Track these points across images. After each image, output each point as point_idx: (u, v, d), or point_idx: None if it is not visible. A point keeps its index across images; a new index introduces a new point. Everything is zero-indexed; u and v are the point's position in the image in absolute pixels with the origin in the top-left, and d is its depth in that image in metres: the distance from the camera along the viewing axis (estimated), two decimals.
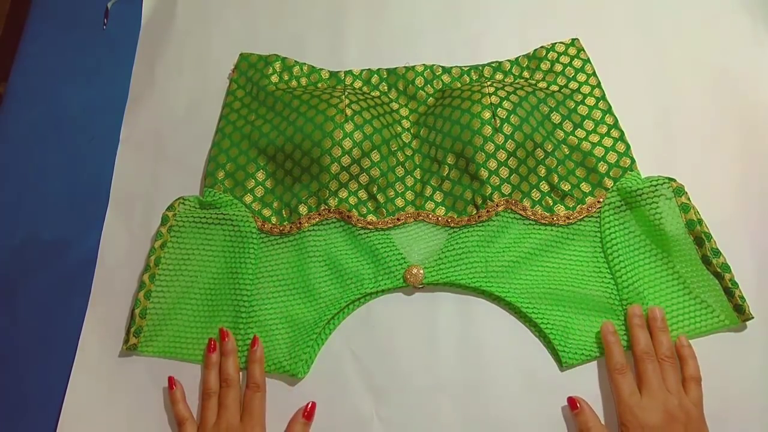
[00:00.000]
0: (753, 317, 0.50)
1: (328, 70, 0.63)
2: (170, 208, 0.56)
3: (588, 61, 0.61)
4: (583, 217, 0.55)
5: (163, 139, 0.63)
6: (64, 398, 0.52)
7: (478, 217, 0.54)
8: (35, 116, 0.65)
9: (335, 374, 0.52)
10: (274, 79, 0.62)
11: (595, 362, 0.51)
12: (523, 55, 0.63)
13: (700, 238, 0.52)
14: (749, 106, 0.60)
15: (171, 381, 0.51)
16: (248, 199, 0.57)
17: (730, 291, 0.50)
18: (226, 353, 0.51)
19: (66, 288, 0.57)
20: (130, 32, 0.69)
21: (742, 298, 0.50)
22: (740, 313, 0.50)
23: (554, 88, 0.60)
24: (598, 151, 0.57)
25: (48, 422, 0.52)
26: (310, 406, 0.50)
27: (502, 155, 0.55)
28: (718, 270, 0.51)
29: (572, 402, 0.48)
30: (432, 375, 0.51)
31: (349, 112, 0.56)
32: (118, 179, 0.61)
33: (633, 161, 0.56)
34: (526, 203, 0.55)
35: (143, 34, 0.69)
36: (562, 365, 0.50)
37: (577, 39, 0.63)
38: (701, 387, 0.48)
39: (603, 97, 0.59)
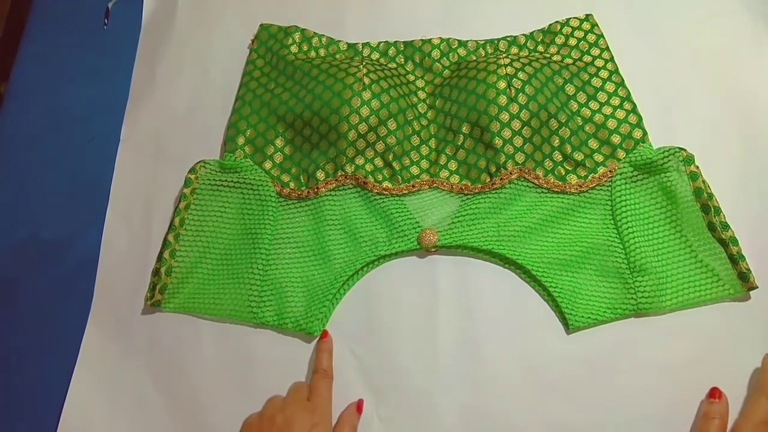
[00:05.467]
0: (757, 286, 0.51)
1: (346, 42, 0.65)
2: (192, 170, 0.58)
3: (601, 36, 0.62)
4: (595, 185, 0.56)
5: (163, 139, 0.63)
6: (65, 399, 0.52)
7: (492, 184, 0.56)
8: (35, 116, 0.65)
9: (335, 374, 0.52)
10: (294, 49, 0.64)
11: (601, 334, 0.52)
12: (538, 30, 0.64)
13: (706, 205, 0.53)
14: (749, 105, 0.60)
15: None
16: (267, 165, 0.59)
17: (734, 259, 0.51)
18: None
19: (66, 288, 0.57)
20: (130, 32, 0.69)
21: (747, 268, 0.51)
22: (744, 281, 0.51)
23: (568, 61, 0.61)
24: (611, 124, 0.58)
25: (48, 423, 0.52)
26: (359, 401, 0.51)
27: (516, 124, 0.56)
28: (723, 237, 0.52)
29: (715, 391, 0.48)
30: (433, 374, 0.51)
31: (366, 80, 0.57)
32: (118, 179, 0.61)
33: (645, 133, 0.57)
34: (539, 172, 0.56)
35: (143, 34, 0.69)
36: (569, 328, 0.52)
37: (591, 15, 0.64)
38: None
39: (616, 71, 0.60)
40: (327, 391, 0.50)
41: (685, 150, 0.55)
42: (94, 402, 0.52)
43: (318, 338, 0.53)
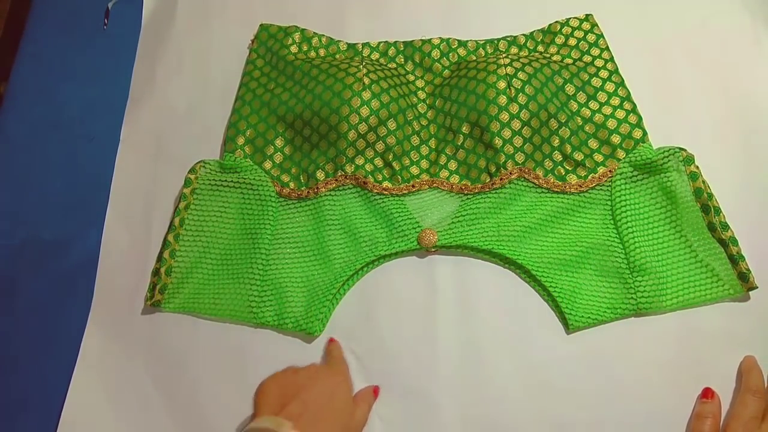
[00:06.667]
0: (757, 287, 0.51)
1: (346, 42, 0.65)
2: (192, 171, 0.58)
3: (601, 36, 0.63)
4: (595, 185, 0.56)
5: (163, 139, 0.63)
6: (65, 399, 0.52)
7: (492, 184, 0.56)
8: (35, 116, 0.65)
9: None
10: (294, 49, 0.64)
11: (601, 334, 0.52)
12: (538, 30, 0.64)
13: (706, 205, 0.53)
14: (749, 105, 0.60)
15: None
16: (267, 165, 0.59)
17: (734, 259, 0.52)
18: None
19: (66, 288, 0.57)
20: (130, 32, 0.69)
21: (747, 268, 0.51)
22: (744, 281, 0.51)
23: (568, 61, 0.62)
24: (611, 124, 0.58)
25: (48, 423, 0.52)
26: (375, 387, 0.51)
27: (516, 124, 0.56)
28: (723, 237, 0.52)
29: (707, 391, 0.49)
30: (433, 374, 0.51)
31: (366, 80, 0.57)
32: (118, 179, 0.61)
33: (645, 133, 0.57)
34: (539, 172, 0.57)
35: (143, 34, 0.69)
36: (569, 328, 0.52)
37: (591, 15, 0.64)
38: None
39: (615, 71, 0.60)
40: (344, 364, 0.51)
41: (685, 150, 0.55)
42: (94, 402, 0.52)
43: (326, 344, 0.53)
